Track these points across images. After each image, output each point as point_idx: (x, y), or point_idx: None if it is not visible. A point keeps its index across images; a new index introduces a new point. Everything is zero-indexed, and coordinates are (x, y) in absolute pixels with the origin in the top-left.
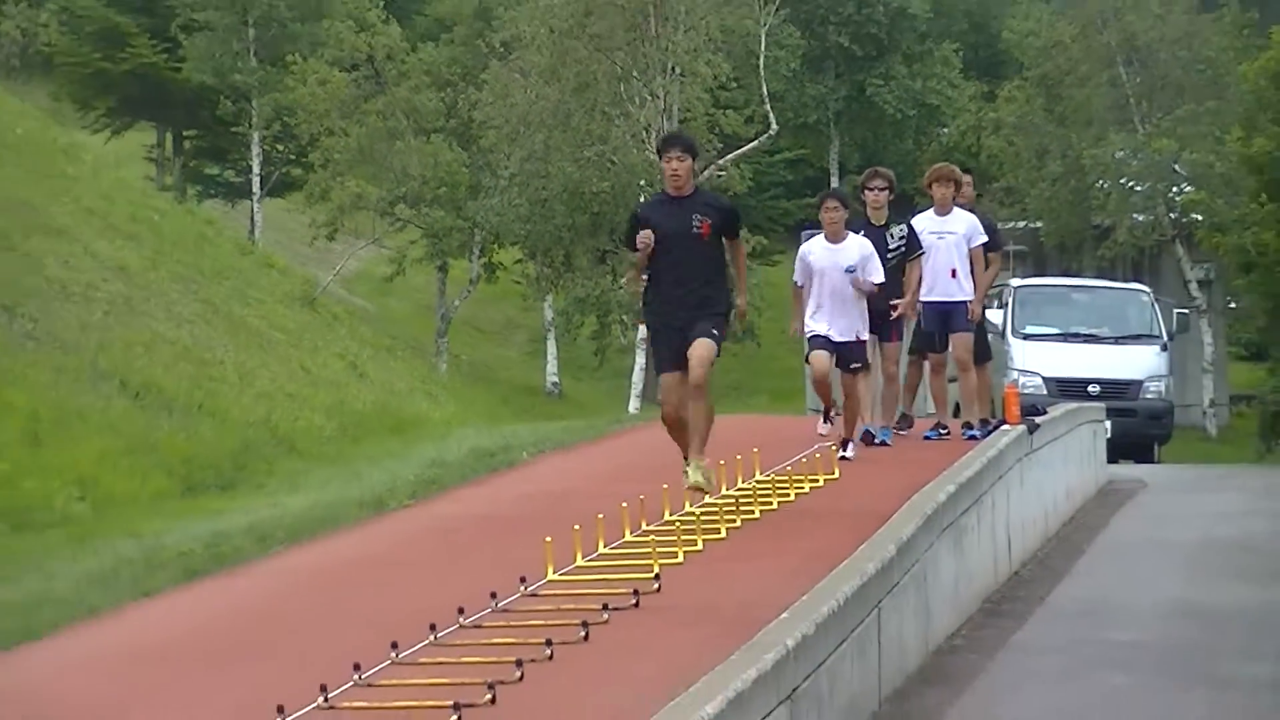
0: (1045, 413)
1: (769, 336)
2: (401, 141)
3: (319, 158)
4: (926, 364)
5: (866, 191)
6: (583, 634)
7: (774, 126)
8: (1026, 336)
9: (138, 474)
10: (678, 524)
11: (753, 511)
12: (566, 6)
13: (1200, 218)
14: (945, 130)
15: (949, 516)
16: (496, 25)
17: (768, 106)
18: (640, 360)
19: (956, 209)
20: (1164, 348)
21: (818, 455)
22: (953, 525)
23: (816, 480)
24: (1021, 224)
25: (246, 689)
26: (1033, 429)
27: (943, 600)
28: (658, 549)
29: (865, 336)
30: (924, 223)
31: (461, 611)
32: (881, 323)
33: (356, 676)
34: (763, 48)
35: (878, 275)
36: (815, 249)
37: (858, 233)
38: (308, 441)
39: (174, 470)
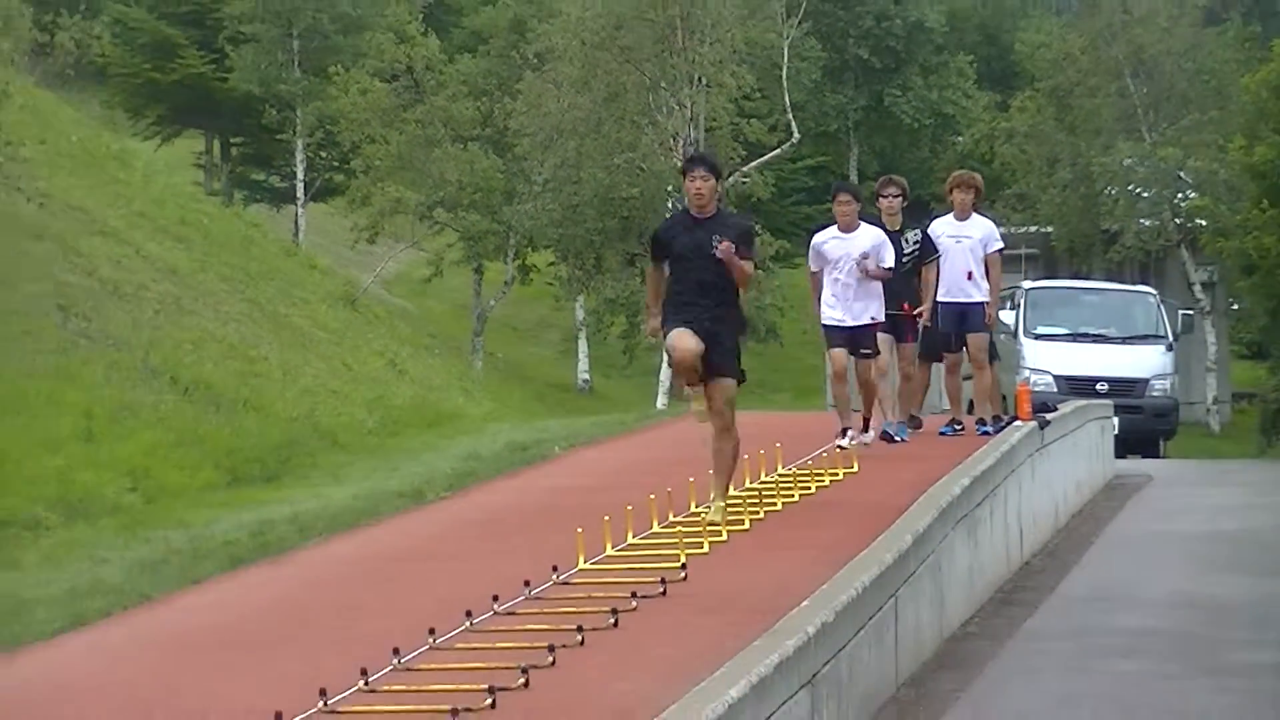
0: (1056, 410)
1: (791, 336)
2: (439, 149)
3: (360, 164)
4: (935, 365)
5: (881, 198)
6: (612, 620)
7: (796, 135)
8: (1038, 336)
9: (187, 466)
10: (703, 516)
11: (775, 504)
12: (597, 20)
13: (1204, 223)
14: (960, 139)
15: (963, 509)
16: (530, 38)
17: (790, 116)
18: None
19: (975, 215)
20: (1169, 347)
21: (838, 450)
22: (967, 517)
23: (836, 474)
24: (1033, 228)
25: (290, 673)
26: (1044, 425)
27: (957, 589)
28: (684, 539)
29: (880, 318)
30: (943, 226)
31: (496, 599)
32: (897, 325)
33: (396, 661)
34: (785, 59)
35: (889, 260)
36: (829, 239)
37: None
38: (349, 435)
39: (221, 463)
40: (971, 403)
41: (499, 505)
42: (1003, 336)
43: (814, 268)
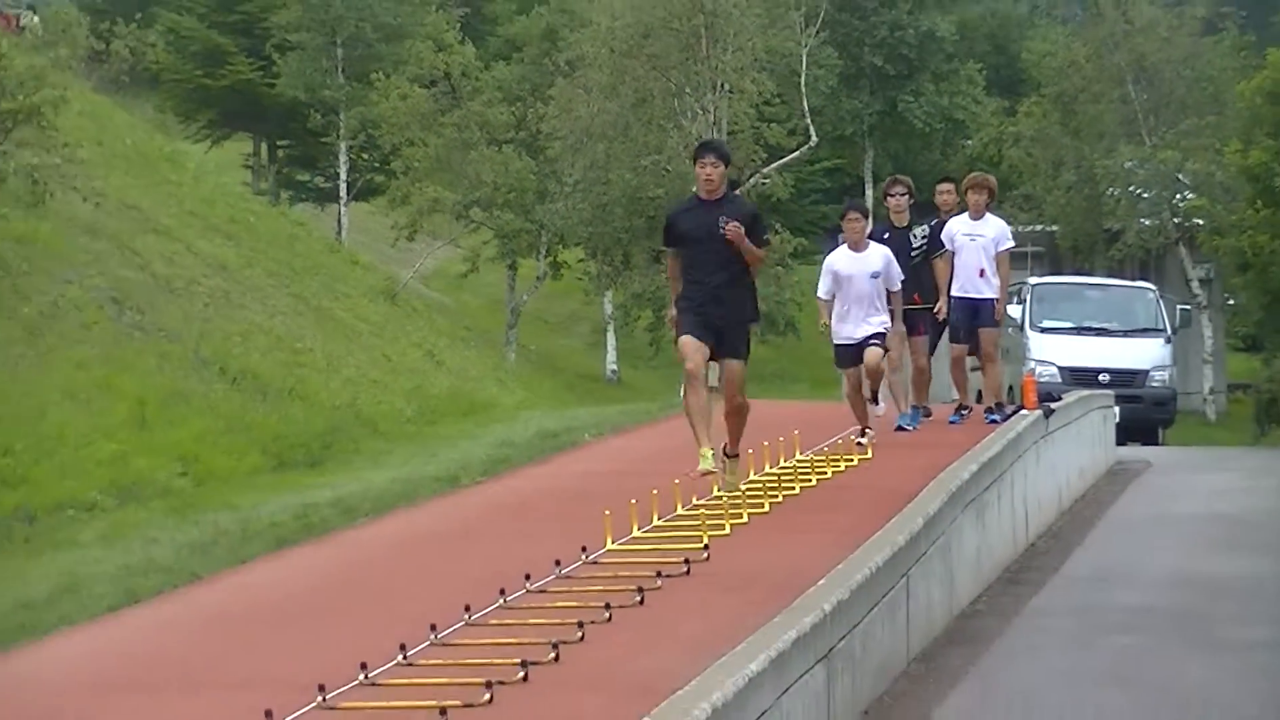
0: (1060, 399)
1: (809, 329)
2: (475, 151)
3: (400, 165)
4: (939, 356)
5: (889, 197)
6: (638, 598)
7: (814, 138)
8: (1043, 330)
9: (235, 452)
10: (725, 499)
11: (793, 488)
12: (626, 29)
13: (1201, 222)
14: (969, 142)
15: (972, 493)
16: (562, 46)
17: (808, 120)
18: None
19: (989, 215)
20: (1168, 340)
21: (853, 438)
22: (975, 501)
23: (851, 460)
24: (1039, 227)
25: (332, 647)
26: (1048, 414)
27: (966, 569)
28: (707, 521)
29: (888, 325)
30: (958, 225)
31: (528, 578)
32: (909, 318)
33: (433, 636)
34: (804, 67)
35: (897, 283)
36: (840, 259)
37: (882, 235)
38: (389, 423)
39: (268, 449)
40: (980, 391)
41: (531, 489)
42: (1010, 330)
43: (824, 295)
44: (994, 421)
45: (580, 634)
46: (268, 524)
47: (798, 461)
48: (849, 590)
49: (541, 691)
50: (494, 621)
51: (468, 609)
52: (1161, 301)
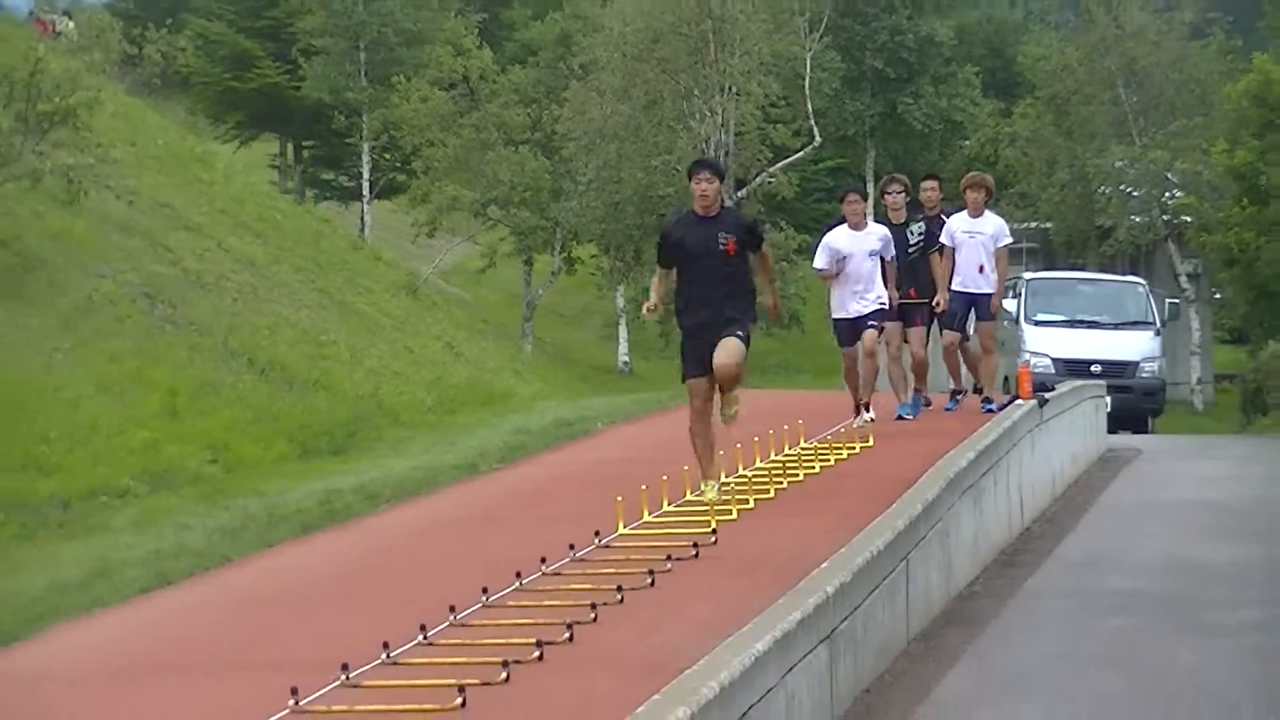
0: (1054, 389)
1: (813, 322)
2: (493, 151)
3: (421, 165)
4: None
5: (886, 195)
6: (649, 581)
7: (818, 139)
8: (1037, 323)
9: (262, 440)
10: (733, 486)
11: (797, 475)
12: (637, 34)
13: (1189, 219)
14: (967, 143)
15: (969, 480)
16: (576, 50)
17: (812, 121)
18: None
19: (988, 212)
20: (1157, 333)
21: (855, 426)
22: (972, 487)
23: (853, 448)
24: (1033, 224)
25: (355, 628)
26: (1043, 403)
27: (963, 553)
28: (715, 507)
29: (884, 303)
30: (958, 223)
31: (544, 561)
32: (906, 311)
33: (452, 617)
34: (808, 70)
35: (891, 253)
36: (839, 237)
37: None
38: (410, 413)
39: (294, 437)
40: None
41: (546, 476)
42: (1006, 323)
43: (822, 264)
44: (990, 411)
45: (593, 615)
46: (294, 510)
47: (801, 449)
48: (851, 573)
49: (557, 670)
50: (511, 603)
51: (485, 591)
52: (1151, 295)
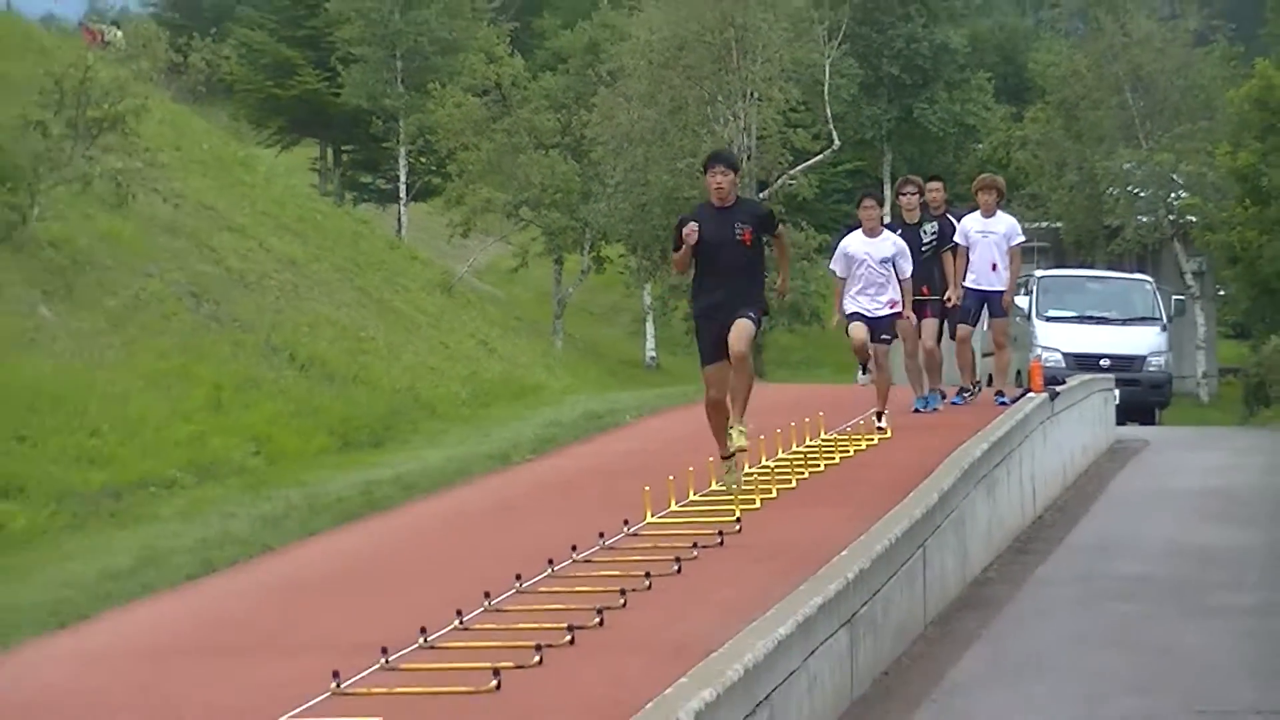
0: (1064, 383)
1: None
2: (524, 155)
3: (455, 168)
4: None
5: (901, 196)
6: (676, 567)
7: (836, 142)
8: (1048, 318)
9: (303, 433)
10: (756, 476)
11: (818, 465)
12: (663, 42)
13: (1194, 219)
14: (980, 146)
15: (983, 470)
16: (604, 58)
17: (831, 126)
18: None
19: (1000, 213)
20: (1164, 328)
21: (873, 419)
22: (986, 477)
23: (872, 439)
24: (1044, 224)
25: (394, 613)
26: (1054, 396)
27: (978, 540)
28: (739, 496)
29: (896, 304)
30: (971, 223)
31: (574, 549)
32: (918, 306)
33: (487, 603)
34: (827, 76)
35: (907, 270)
36: (854, 242)
37: (895, 231)
38: (445, 406)
39: (334, 430)
40: (991, 375)
41: (576, 467)
42: (1018, 319)
43: (839, 271)
44: (1003, 404)
45: (623, 601)
46: (334, 499)
47: (822, 441)
48: (870, 560)
49: (587, 654)
50: (543, 589)
51: (519, 578)
52: (1158, 292)
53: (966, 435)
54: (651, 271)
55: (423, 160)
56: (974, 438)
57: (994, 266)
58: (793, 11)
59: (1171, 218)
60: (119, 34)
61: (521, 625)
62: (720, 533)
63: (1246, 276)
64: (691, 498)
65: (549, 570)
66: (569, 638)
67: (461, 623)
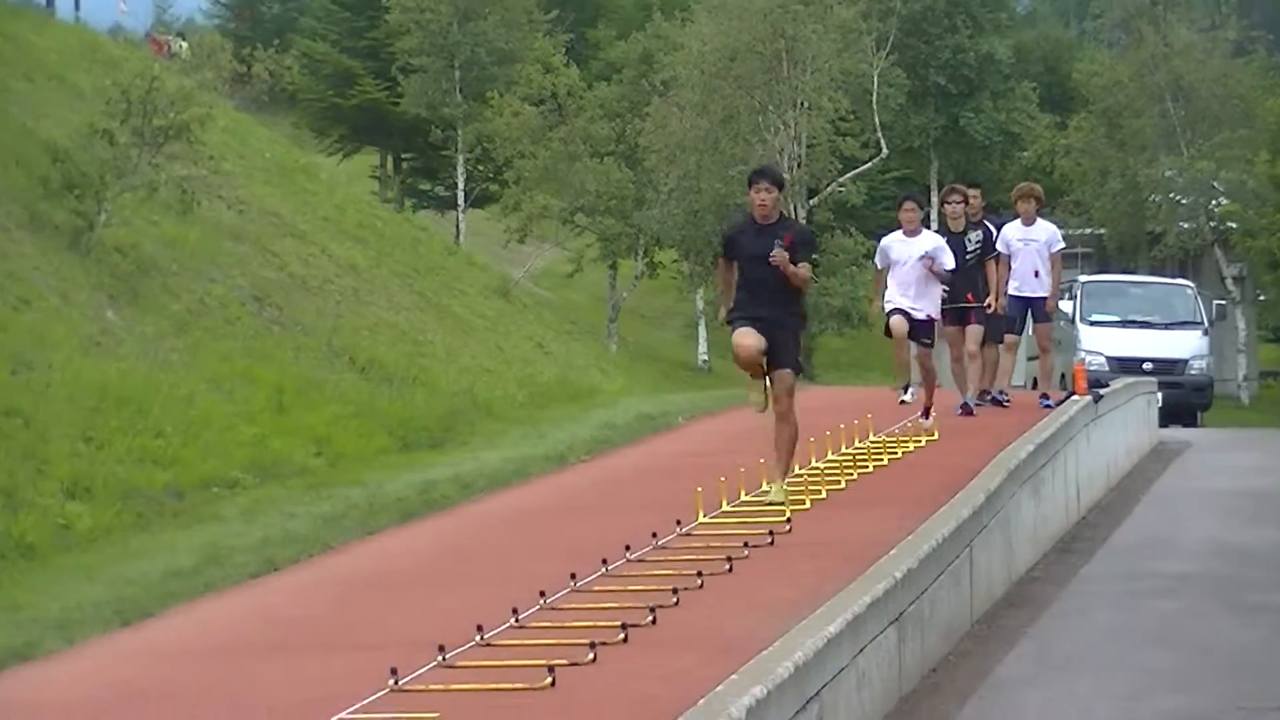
0: (1108, 386)
1: (881, 322)
2: (579, 163)
3: (512, 176)
4: (998, 347)
5: (946, 204)
6: (727, 567)
7: (884, 151)
8: (1092, 323)
9: (364, 434)
10: (805, 476)
11: (867, 466)
12: (715, 53)
13: (1234, 225)
14: (1025, 154)
15: (1029, 471)
16: (657, 68)
17: (879, 134)
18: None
19: (1040, 220)
20: (1205, 332)
21: (920, 421)
22: (1032, 478)
23: (919, 441)
24: (1087, 231)
25: (451, 610)
26: (1098, 399)
27: (1023, 539)
28: (790, 496)
29: (936, 316)
30: (1013, 232)
31: (628, 548)
32: (962, 313)
33: (542, 601)
34: (875, 86)
35: (949, 263)
36: (894, 242)
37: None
38: (502, 407)
39: (393, 431)
40: (1035, 380)
41: (630, 467)
42: (1062, 323)
43: (880, 265)
44: (1048, 406)
45: (675, 599)
46: (394, 499)
47: (871, 442)
48: (918, 559)
49: (640, 651)
50: (597, 588)
51: (573, 576)
52: (1199, 297)
53: (1013, 437)
54: (704, 276)
55: (480, 168)
56: (1020, 440)
57: (1036, 273)
58: (842, 23)
59: (1212, 224)
60: (184, 45)
61: (576, 623)
62: (771, 532)
63: None
64: (743, 498)
65: (603, 569)
66: (622, 635)
67: (517, 621)
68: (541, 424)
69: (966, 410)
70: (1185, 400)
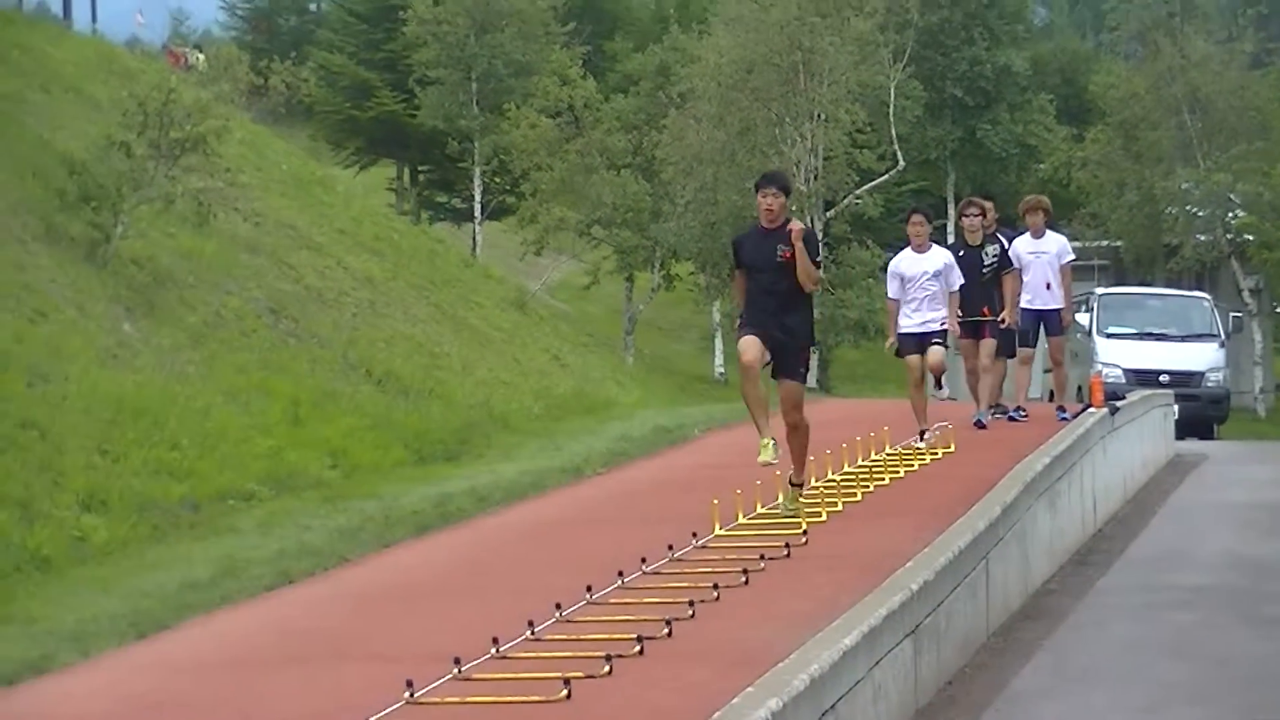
0: (1124, 398)
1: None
2: (596, 175)
3: (529, 188)
4: (1008, 360)
5: (964, 217)
6: (744, 579)
7: (901, 163)
8: (1109, 335)
9: (379, 447)
10: (822, 489)
11: (883, 479)
12: (731, 65)
13: (1251, 237)
14: (1042, 166)
15: (1045, 483)
16: (674, 80)
17: (896, 146)
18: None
19: (1049, 232)
20: (1222, 344)
21: (937, 432)
22: (1048, 490)
23: (936, 453)
24: (1104, 243)
25: (467, 623)
26: (1114, 411)
27: (1040, 552)
28: (804, 509)
29: (947, 323)
30: (1023, 245)
31: (644, 560)
32: (977, 326)
33: (558, 614)
34: (892, 98)
35: (956, 283)
36: (904, 260)
37: (958, 252)
38: (518, 420)
39: (409, 443)
40: (1052, 393)
41: (646, 480)
42: (1079, 335)
43: (893, 294)
44: (1064, 419)
45: (691, 612)
46: (409, 512)
47: (887, 454)
48: (934, 571)
49: (656, 664)
50: (613, 600)
51: (589, 589)
52: (1215, 309)
53: (1029, 450)
54: (720, 289)
55: (497, 180)
56: (1036, 452)
57: (1048, 286)
58: (859, 35)
59: (1229, 236)
60: (201, 57)
61: (592, 636)
62: (787, 545)
63: None
64: (759, 510)
65: (619, 581)
66: (638, 648)
67: (533, 633)
68: (558, 436)
69: (980, 425)
70: (1202, 413)
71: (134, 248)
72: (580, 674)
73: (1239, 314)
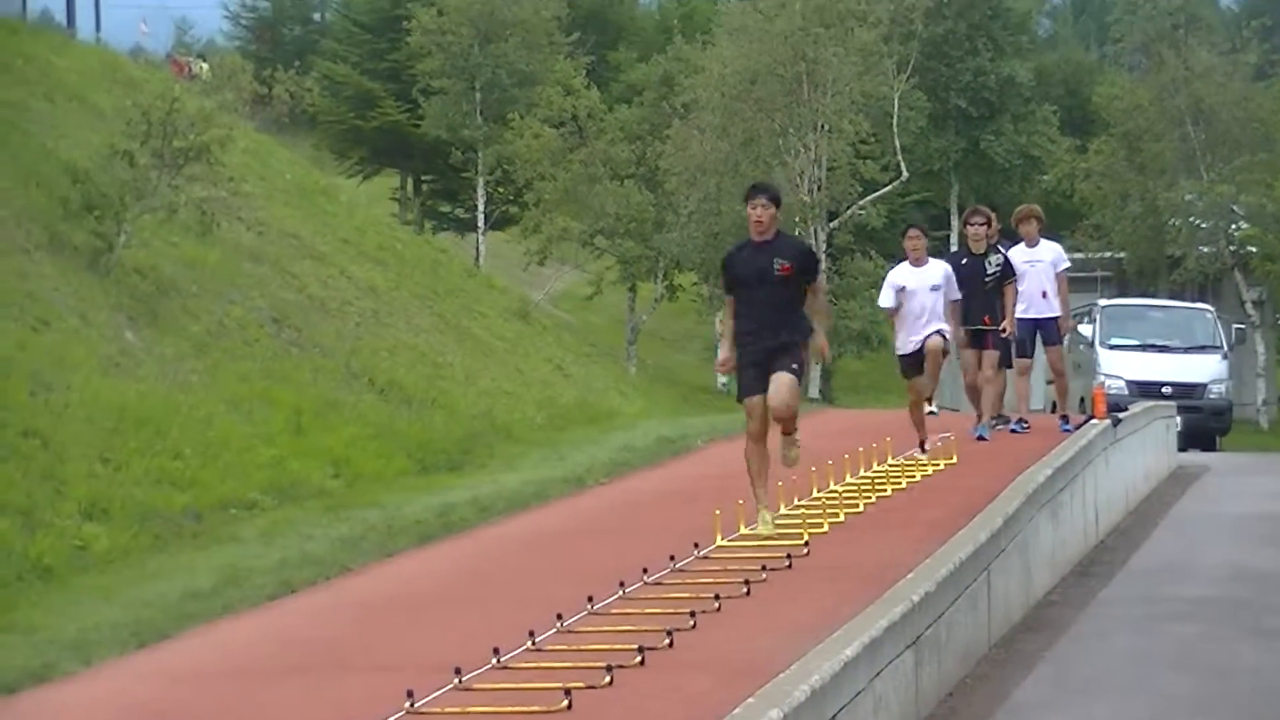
0: (1127, 409)
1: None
2: (600, 185)
3: (532, 198)
4: (1008, 371)
5: (968, 226)
6: (745, 590)
7: (905, 173)
8: (1112, 346)
9: (382, 456)
10: (824, 500)
11: (885, 490)
12: (735, 76)
13: (1254, 249)
14: (1045, 177)
15: (1047, 494)
16: (678, 91)
17: (899, 157)
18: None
19: (1043, 241)
20: (1225, 356)
21: (939, 443)
22: (1050, 502)
23: (938, 464)
24: (1107, 254)
25: (469, 632)
26: (1116, 423)
27: (1041, 563)
28: (807, 520)
29: (947, 331)
30: (1018, 255)
31: (646, 571)
32: (980, 337)
33: (559, 624)
34: (896, 109)
35: (955, 294)
36: (902, 274)
37: (960, 261)
38: (521, 430)
39: (412, 453)
40: (1054, 404)
41: (649, 490)
42: (1081, 347)
43: (891, 304)
44: (1067, 430)
45: (692, 622)
46: (412, 521)
47: (889, 466)
48: (935, 582)
49: (657, 674)
50: (615, 610)
51: (591, 599)
52: (1218, 321)
53: (1031, 461)
54: (723, 300)
55: (501, 190)
56: (1038, 463)
57: (1044, 294)
58: (863, 46)
59: (1232, 248)
60: (205, 66)
61: (593, 646)
62: (788, 556)
63: None
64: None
65: (620, 592)
66: (639, 658)
67: (534, 643)
68: (560, 446)
69: (981, 439)
70: (1204, 424)
71: (137, 257)
72: (581, 684)
73: (1242, 326)
